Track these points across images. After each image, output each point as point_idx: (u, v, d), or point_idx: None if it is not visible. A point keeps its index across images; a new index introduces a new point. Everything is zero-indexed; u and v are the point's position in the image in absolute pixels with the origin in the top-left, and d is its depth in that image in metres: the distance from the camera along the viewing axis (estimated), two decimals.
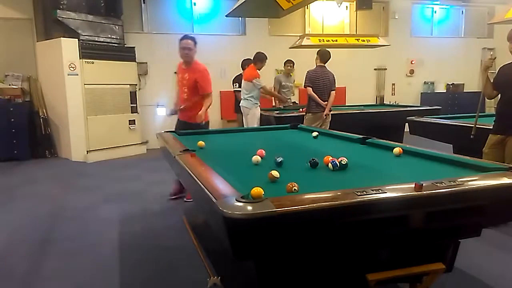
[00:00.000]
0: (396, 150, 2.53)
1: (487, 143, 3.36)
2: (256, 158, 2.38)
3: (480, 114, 3.69)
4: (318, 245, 1.52)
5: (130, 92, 7.28)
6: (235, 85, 6.69)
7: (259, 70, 5.91)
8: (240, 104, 6.01)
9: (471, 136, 3.49)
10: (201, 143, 3.02)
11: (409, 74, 9.94)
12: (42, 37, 6.96)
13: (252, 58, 6.04)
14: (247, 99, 5.86)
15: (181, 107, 4.16)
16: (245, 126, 5.88)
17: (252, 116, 5.88)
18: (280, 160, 2.29)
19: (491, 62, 3.44)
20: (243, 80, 5.98)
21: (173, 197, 4.34)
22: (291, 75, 6.90)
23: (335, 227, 1.44)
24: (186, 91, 4.11)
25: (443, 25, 10.16)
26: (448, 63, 9.88)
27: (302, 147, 3.17)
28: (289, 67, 6.76)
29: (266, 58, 5.94)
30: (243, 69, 6.39)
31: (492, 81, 3.41)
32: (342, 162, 2.14)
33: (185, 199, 4.27)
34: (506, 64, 3.33)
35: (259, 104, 5.91)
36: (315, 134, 3.54)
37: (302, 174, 2.13)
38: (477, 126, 3.53)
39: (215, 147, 3.02)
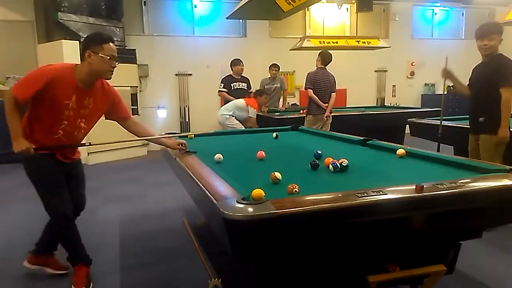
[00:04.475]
0: (400, 151, 2.53)
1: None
2: (218, 156, 2.50)
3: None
4: (319, 247, 1.52)
5: (131, 94, 7.27)
6: (221, 86, 6.40)
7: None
8: (220, 121, 5.70)
9: (439, 135, 3.75)
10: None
11: (410, 76, 9.94)
12: (43, 39, 6.98)
13: (241, 60, 6.16)
14: (223, 114, 5.59)
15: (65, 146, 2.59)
16: None
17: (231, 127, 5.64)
18: (320, 153, 2.47)
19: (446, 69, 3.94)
20: (243, 101, 5.70)
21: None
22: (279, 76, 6.77)
23: (336, 228, 1.44)
24: (84, 125, 2.58)
25: (444, 27, 10.17)
26: (448, 65, 9.85)
27: (303, 149, 3.16)
28: (273, 71, 6.67)
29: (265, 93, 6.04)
30: (232, 69, 6.28)
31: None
32: (342, 164, 2.14)
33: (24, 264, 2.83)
34: (477, 64, 3.55)
35: (232, 116, 5.64)
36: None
37: (302, 176, 2.13)
38: (442, 125, 3.87)
39: (217, 149, 3.02)
